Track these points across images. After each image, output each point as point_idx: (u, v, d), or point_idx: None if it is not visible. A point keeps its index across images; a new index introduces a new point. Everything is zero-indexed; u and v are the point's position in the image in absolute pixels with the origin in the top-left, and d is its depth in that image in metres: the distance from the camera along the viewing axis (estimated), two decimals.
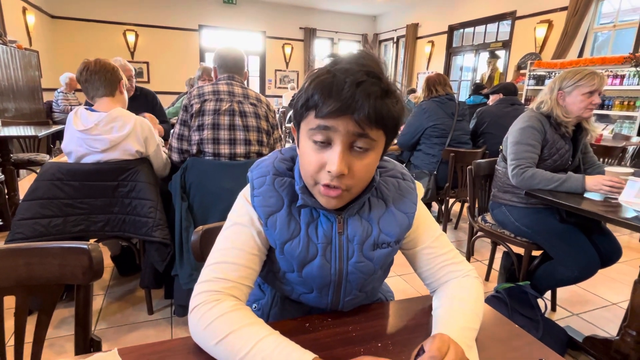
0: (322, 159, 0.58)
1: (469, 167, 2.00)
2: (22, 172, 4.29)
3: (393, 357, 0.49)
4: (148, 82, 8.02)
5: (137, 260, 1.84)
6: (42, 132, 2.87)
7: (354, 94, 0.53)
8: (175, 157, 1.75)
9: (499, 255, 2.17)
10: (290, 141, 6.86)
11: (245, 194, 0.69)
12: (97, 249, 0.77)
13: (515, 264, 1.87)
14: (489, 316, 0.73)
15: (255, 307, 0.82)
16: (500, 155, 1.89)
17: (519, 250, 1.82)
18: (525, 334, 0.67)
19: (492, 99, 3.57)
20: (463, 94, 7.47)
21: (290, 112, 4.83)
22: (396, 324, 0.70)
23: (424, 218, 0.74)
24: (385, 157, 0.72)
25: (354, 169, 0.58)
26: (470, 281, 0.71)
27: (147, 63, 8.06)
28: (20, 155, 3.31)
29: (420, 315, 0.73)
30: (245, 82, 1.86)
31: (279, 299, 0.78)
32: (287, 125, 6.17)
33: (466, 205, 2.40)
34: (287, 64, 9.33)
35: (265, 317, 0.79)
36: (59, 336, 1.63)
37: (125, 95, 1.74)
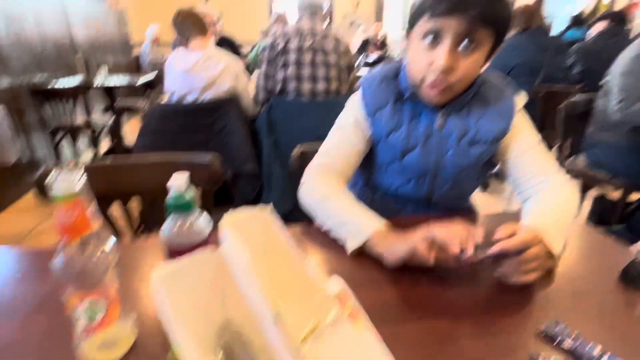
0: (430, 57, 0.65)
1: (559, 106, 1.85)
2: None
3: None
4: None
5: (229, 192, 2.06)
6: (139, 80, 3.26)
7: None
8: (262, 95, 1.86)
9: (586, 204, 2.02)
10: None
11: (354, 95, 0.79)
12: (217, 162, 0.91)
13: (609, 208, 1.75)
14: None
15: None
16: (601, 90, 1.70)
17: (612, 196, 1.69)
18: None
19: (596, 30, 3.08)
20: (556, 28, 6.52)
21: (361, 57, 4.74)
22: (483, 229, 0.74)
23: (522, 126, 0.75)
24: (492, 74, 0.76)
25: (459, 66, 0.64)
26: (563, 189, 0.69)
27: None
28: (121, 102, 3.76)
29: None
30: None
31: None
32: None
33: (555, 147, 2.22)
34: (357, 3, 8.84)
35: None
36: None
37: (212, 41, 1.88)
